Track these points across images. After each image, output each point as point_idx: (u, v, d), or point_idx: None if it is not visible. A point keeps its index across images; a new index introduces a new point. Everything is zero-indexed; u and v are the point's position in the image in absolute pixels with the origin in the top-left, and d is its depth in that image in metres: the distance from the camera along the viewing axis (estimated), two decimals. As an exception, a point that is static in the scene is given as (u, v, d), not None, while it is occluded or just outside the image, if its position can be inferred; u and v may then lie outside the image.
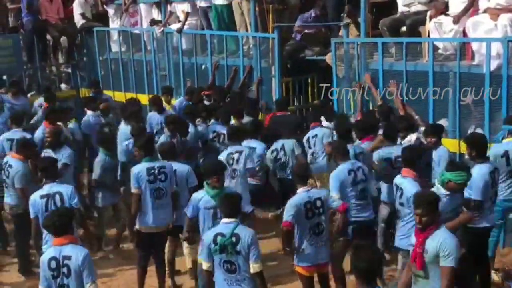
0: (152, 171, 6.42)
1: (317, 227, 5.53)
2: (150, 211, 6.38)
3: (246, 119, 8.42)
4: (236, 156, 7.17)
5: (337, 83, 8.92)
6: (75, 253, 4.65)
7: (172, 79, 10.98)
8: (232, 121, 8.38)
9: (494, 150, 6.51)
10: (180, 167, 6.76)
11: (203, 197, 5.68)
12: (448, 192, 5.31)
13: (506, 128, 6.69)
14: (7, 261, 7.97)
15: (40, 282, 4.82)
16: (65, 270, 4.62)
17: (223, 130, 8.12)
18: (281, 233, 5.72)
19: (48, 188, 6.07)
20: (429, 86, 7.87)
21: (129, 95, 11.23)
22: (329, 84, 8.71)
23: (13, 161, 7.22)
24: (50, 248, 4.82)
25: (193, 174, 6.76)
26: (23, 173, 7.09)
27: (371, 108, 8.44)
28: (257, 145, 7.71)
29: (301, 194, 5.53)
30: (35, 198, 6.07)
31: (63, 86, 13.35)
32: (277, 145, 7.74)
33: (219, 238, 4.78)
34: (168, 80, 11.01)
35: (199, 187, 6.31)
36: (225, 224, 4.88)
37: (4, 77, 12.36)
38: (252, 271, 4.81)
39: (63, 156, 7.52)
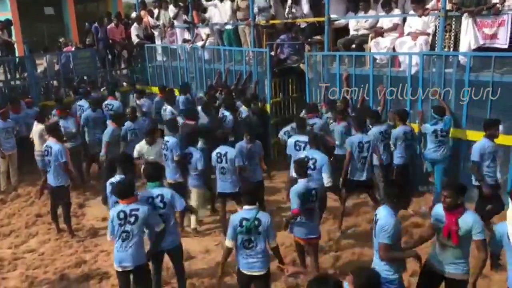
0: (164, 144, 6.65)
1: (310, 211, 4.95)
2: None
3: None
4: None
5: (308, 83, 8.92)
6: (141, 207, 4.36)
7: (197, 79, 10.91)
8: (242, 108, 8.40)
9: (428, 128, 6.79)
10: (230, 150, 6.25)
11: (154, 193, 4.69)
12: None
13: (435, 116, 6.80)
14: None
15: (108, 232, 4.50)
16: (132, 219, 4.31)
17: (227, 114, 8.09)
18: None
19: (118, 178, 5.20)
20: (369, 85, 7.87)
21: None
22: (328, 84, 8.36)
23: (109, 126, 7.68)
24: (119, 205, 4.42)
25: (239, 156, 6.22)
26: (111, 133, 7.46)
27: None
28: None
29: (301, 184, 4.93)
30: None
31: (124, 84, 13.30)
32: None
33: (244, 222, 4.18)
34: (195, 80, 10.95)
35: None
36: (248, 210, 4.25)
37: (85, 77, 12.35)
38: (271, 246, 4.31)
39: (139, 125, 7.88)
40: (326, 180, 5.59)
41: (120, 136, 7.64)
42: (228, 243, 4.30)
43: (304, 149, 6.23)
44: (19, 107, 9.13)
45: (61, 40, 15.51)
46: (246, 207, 4.30)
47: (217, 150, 6.29)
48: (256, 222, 4.19)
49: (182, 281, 5.05)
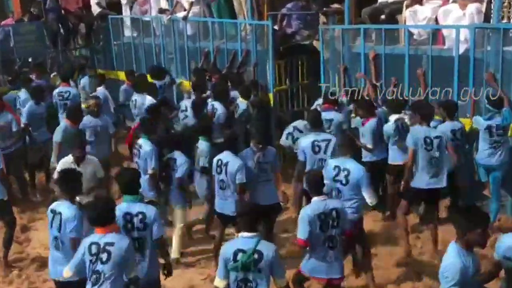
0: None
1: (331, 240, 4.75)
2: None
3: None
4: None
5: (324, 65, 8.89)
6: (118, 242, 4.23)
7: (178, 61, 10.90)
8: (239, 100, 8.39)
9: (482, 123, 6.79)
10: (233, 160, 6.03)
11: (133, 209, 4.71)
12: None
13: (490, 108, 6.78)
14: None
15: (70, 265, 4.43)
16: (104, 256, 4.19)
17: (218, 106, 8.12)
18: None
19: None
20: (405, 68, 7.82)
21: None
22: (347, 65, 8.42)
23: (62, 122, 7.75)
24: (93, 235, 4.34)
25: (242, 170, 5.97)
26: (63, 131, 7.44)
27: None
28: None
29: (315, 203, 4.78)
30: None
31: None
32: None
33: (240, 255, 4.01)
34: (174, 62, 10.94)
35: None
36: (246, 239, 4.10)
37: (30, 60, 12.29)
38: (278, 286, 4.19)
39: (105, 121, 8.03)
40: (370, 200, 5.46)
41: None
42: (219, 283, 4.16)
43: (325, 151, 6.18)
44: None
45: None
46: (243, 234, 4.15)
47: (220, 156, 6.17)
48: (256, 256, 4.01)
49: None
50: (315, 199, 4.79)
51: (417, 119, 6.46)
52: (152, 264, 4.80)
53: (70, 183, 4.94)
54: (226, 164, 6.01)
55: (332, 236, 4.73)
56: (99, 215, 4.29)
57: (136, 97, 8.93)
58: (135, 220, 4.64)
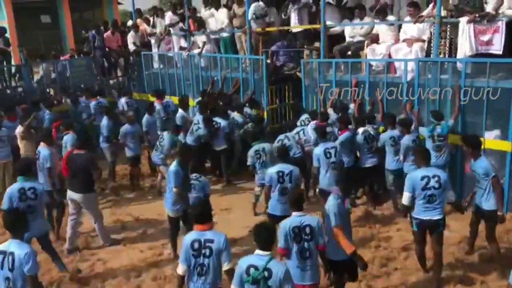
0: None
1: (304, 251, 4.12)
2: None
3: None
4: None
5: (305, 89, 8.93)
6: (217, 238, 3.85)
7: (194, 87, 10.89)
8: (234, 114, 8.51)
9: (426, 132, 6.70)
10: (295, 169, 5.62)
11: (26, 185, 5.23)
12: None
13: (432, 120, 6.72)
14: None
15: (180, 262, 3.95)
16: (207, 251, 3.83)
17: (220, 120, 8.30)
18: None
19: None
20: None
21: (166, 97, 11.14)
22: (329, 84, 8.36)
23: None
24: (193, 232, 3.93)
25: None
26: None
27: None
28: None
29: (293, 218, 4.17)
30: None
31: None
32: None
33: (252, 270, 3.45)
34: (191, 87, 10.92)
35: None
36: (259, 256, 3.51)
37: (82, 85, 12.32)
38: None
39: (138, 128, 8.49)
40: (451, 197, 5.05)
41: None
42: None
43: (334, 155, 6.18)
44: (15, 115, 9.05)
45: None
46: (258, 252, 3.55)
47: (276, 168, 5.59)
48: (266, 273, 3.42)
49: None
50: (294, 214, 4.21)
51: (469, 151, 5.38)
52: (42, 221, 5.48)
53: (16, 223, 3.98)
54: (290, 173, 5.53)
55: (305, 248, 4.12)
56: (200, 215, 3.98)
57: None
58: (28, 192, 5.20)
